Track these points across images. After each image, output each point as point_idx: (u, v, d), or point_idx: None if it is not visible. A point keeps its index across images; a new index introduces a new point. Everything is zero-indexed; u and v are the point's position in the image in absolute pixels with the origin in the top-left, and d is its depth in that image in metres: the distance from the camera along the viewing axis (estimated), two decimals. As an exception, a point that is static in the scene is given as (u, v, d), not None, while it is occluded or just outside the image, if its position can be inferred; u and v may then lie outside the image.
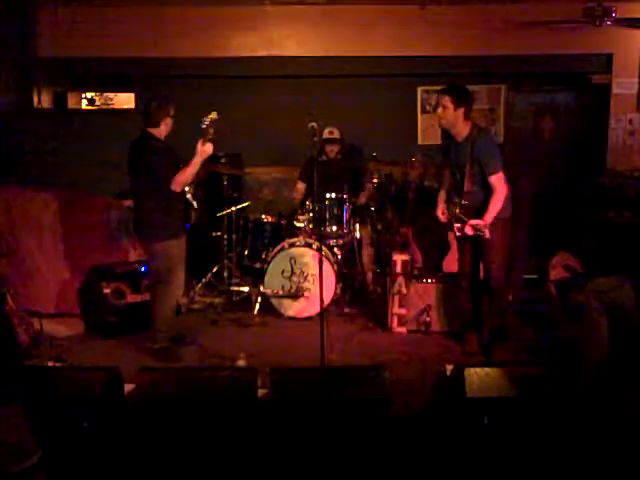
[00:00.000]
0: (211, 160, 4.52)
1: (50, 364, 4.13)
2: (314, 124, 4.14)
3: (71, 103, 7.40)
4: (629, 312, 2.89)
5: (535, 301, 5.38)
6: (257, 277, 5.63)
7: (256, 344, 4.80)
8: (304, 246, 5.47)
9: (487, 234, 4.17)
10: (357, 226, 5.87)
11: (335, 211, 5.62)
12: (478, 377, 3.07)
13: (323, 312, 4.16)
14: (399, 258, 5.16)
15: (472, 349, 4.65)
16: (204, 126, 4.25)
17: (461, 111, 4.38)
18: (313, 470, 2.92)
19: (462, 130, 4.42)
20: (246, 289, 5.73)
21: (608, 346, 2.85)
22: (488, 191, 4.36)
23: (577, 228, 5.61)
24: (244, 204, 6.06)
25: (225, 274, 5.86)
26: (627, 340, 2.86)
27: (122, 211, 5.60)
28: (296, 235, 5.64)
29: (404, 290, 5.11)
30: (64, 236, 5.43)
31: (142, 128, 4.52)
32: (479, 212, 4.34)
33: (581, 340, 3.02)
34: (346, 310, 5.59)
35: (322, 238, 5.57)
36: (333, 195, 5.60)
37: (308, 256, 5.43)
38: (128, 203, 5.23)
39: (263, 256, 5.71)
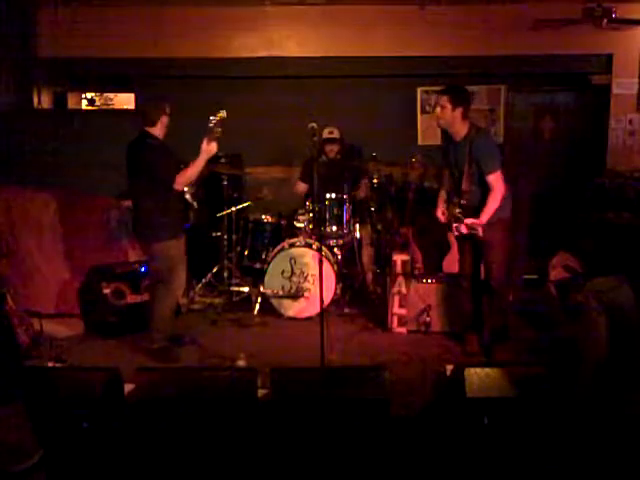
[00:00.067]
0: (211, 160, 4.51)
1: (50, 364, 4.13)
2: (314, 124, 4.13)
3: (71, 103, 7.41)
4: (628, 312, 2.90)
5: (535, 301, 5.39)
6: (257, 277, 5.63)
7: (256, 344, 4.80)
8: (304, 246, 5.47)
9: (480, 232, 4.21)
10: (357, 226, 5.87)
11: (335, 211, 5.61)
12: (478, 377, 3.07)
13: (323, 312, 4.15)
14: (399, 258, 5.17)
15: (472, 349, 4.65)
16: (211, 124, 4.23)
17: (459, 111, 4.39)
18: (313, 470, 2.92)
19: (460, 130, 4.43)
20: (246, 289, 5.73)
21: (607, 345, 2.85)
22: (486, 190, 4.36)
23: (577, 228, 5.62)
24: (244, 204, 6.05)
25: (225, 274, 5.86)
26: (626, 340, 2.86)
27: (122, 211, 5.60)
28: (296, 235, 5.64)
29: (404, 290, 5.11)
30: (64, 236, 5.43)
31: (140, 128, 4.52)
32: (478, 211, 4.35)
33: (581, 340, 3.03)
34: (346, 310, 5.58)
35: (322, 238, 5.56)
36: (333, 195, 5.59)
37: (308, 256, 5.43)
38: (128, 203, 5.21)
39: (263, 256, 5.71)
